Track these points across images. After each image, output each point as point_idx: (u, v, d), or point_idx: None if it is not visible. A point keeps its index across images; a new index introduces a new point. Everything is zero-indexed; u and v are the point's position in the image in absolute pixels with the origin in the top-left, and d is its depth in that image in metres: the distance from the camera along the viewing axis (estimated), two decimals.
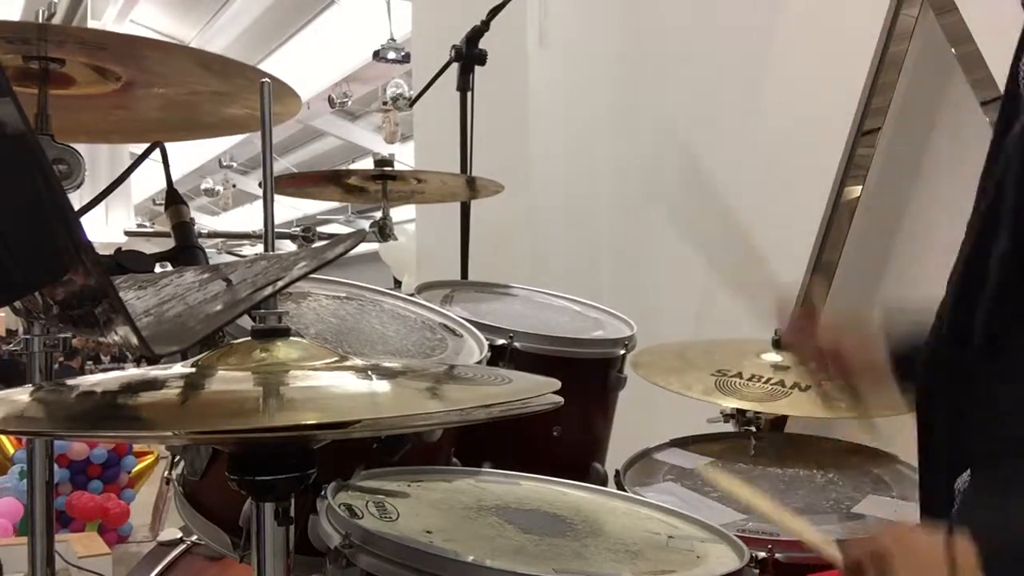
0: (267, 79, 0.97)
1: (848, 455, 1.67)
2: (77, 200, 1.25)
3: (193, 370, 0.85)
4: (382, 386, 0.87)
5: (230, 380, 0.82)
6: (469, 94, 2.31)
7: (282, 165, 11.12)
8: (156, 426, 0.77)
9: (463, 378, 1.01)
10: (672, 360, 1.79)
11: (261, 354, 0.84)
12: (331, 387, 0.84)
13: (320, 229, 2.37)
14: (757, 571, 1.13)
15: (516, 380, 0.98)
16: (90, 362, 12.05)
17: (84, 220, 0.88)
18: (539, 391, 0.87)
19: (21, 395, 0.83)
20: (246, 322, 0.96)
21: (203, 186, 14.02)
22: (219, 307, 0.81)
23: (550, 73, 3.15)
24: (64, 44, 1.21)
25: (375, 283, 1.70)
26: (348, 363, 0.89)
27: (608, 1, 3.15)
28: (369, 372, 0.89)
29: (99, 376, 0.91)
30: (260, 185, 0.97)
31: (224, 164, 13.75)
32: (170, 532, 1.87)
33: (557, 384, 0.89)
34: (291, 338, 0.87)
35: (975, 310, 0.96)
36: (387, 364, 0.98)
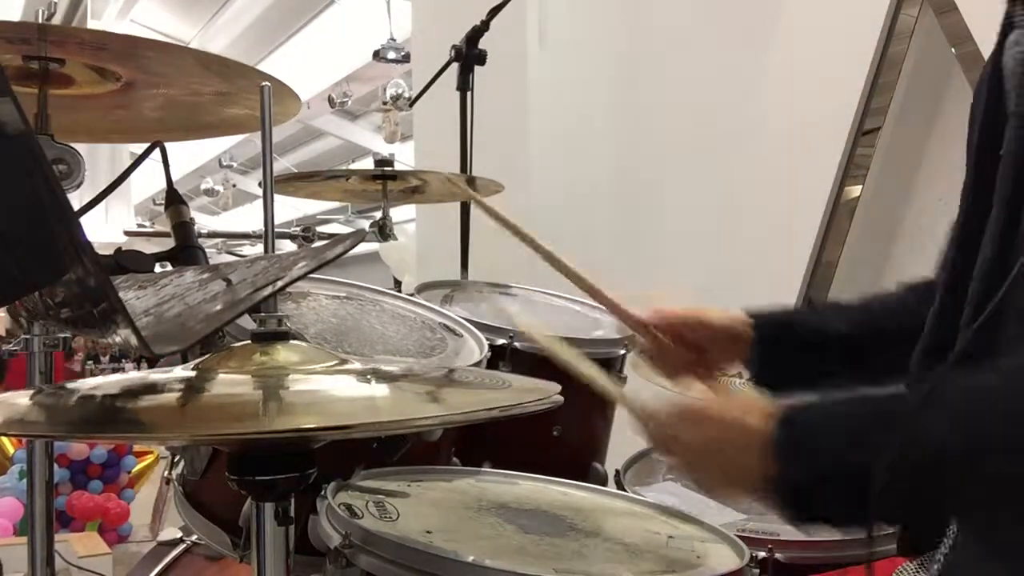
0: (267, 83, 0.97)
1: None
2: (77, 200, 1.25)
3: (194, 374, 0.85)
4: (381, 390, 0.87)
5: (230, 384, 0.82)
6: (469, 94, 2.31)
7: (282, 165, 11.11)
8: (157, 430, 0.77)
9: (462, 382, 1.01)
10: None
11: (261, 358, 0.84)
12: (331, 391, 0.84)
13: (320, 229, 2.37)
14: (757, 571, 1.13)
15: (515, 384, 0.98)
16: (90, 362, 12.04)
17: (84, 220, 0.88)
18: (539, 395, 0.87)
19: (21, 398, 0.83)
20: (248, 322, 0.96)
21: (203, 186, 14.00)
22: (219, 307, 0.81)
23: (550, 73, 3.15)
24: (64, 44, 1.21)
25: (375, 283, 1.70)
26: (347, 367, 0.89)
27: (607, 1, 3.15)
28: (368, 376, 0.89)
29: (99, 379, 0.91)
30: (260, 185, 0.97)
31: (224, 164, 13.73)
32: (170, 532, 1.88)
33: (557, 388, 0.90)
34: (291, 341, 0.88)
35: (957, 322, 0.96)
36: (386, 368, 0.98)
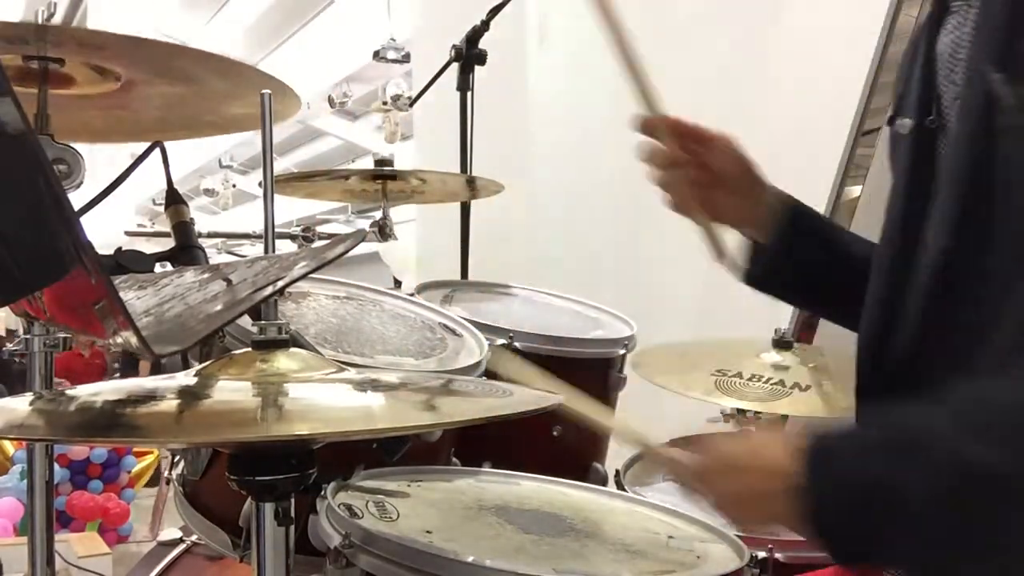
0: (267, 90, 0.97)
1: None
2: (77, 200, 1.25)
3: (194, 380, 0.85)
4: (378, 399, 0.87)
5: (230, 391, 0.83)
6: (469, 94, 2.31)
7: (282, 165, 11.11)
8: (157, 435, 0.77)
9: (460, 392, 1.01)
10: (672, 360, 1.78)
11: (261, 365, 0.85)
12: (329, 399, 0.84)
13: (320, 229, 2.37)
14: (757, 571, 1.13)
15: (515, 393, 0.98)
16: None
17: (84, 220, 0.88)
18: (538, 405, 0.87)
19: (20, 405, 0.84)
20: (248, 323, 0.96)
21: (203, 186, 13.99)
22: (219, 307, 0.81)
23: (550, 73, 3.15)
24: (64, 44, 1.21)
25: (375, 283, 1.70)
26: (346, 375, 0.89)
27: None
28: (364, 385, 0.89)
29: (98, 385, 0.92)
30: (260, 185, 0.96)
31: (224, 164, 13.73)
32: (170, 532, 1.88)
33: (558, 396, 0.90)
34: (291, 349, 0.88)
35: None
36: (386, 378, 0.98)
